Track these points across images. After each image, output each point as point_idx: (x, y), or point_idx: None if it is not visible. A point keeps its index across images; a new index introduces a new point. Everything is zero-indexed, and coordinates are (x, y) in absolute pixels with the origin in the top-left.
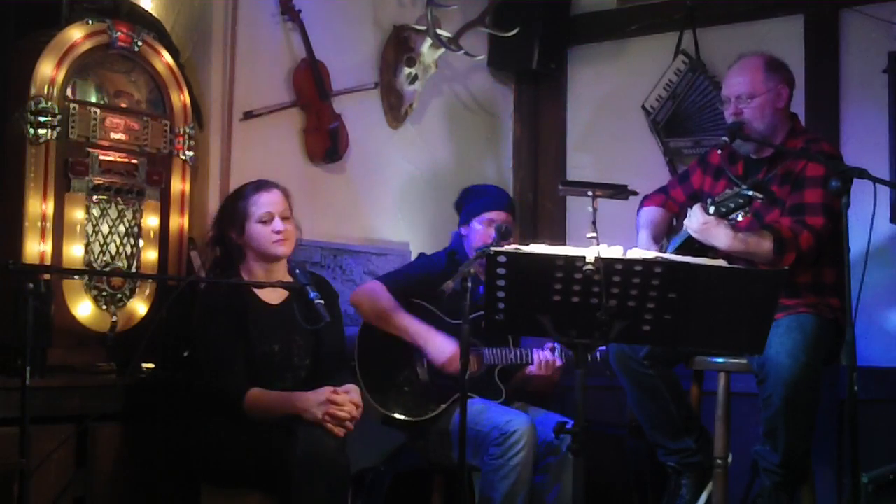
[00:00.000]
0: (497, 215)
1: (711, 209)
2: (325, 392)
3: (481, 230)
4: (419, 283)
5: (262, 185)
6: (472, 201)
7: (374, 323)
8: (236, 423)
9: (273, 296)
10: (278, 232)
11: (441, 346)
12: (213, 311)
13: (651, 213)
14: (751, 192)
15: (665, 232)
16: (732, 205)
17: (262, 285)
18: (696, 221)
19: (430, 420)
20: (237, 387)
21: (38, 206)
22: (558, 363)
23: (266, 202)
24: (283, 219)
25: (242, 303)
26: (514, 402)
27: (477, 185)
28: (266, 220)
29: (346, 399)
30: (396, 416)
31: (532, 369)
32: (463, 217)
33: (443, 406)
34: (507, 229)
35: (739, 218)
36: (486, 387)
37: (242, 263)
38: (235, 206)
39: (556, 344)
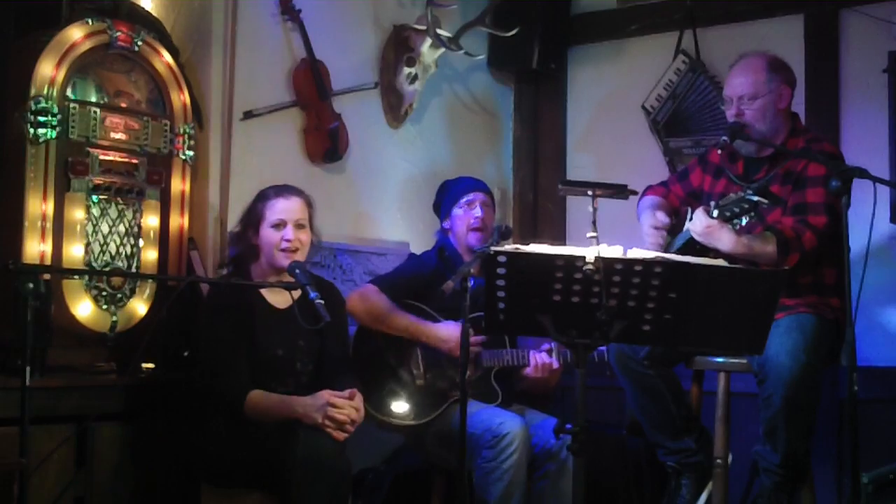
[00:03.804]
0: (474, 195)
1: (715, 213)
2: (325, 396)
3: (462, 214)
4: (412, 284)
5: (282, 191)
6: (447, 192)
7: (371, 325)
8: (237, 424)
9: (280, 299)
10: (287, 240)
11: (443, 333)
12: (219, 311)
13: (653, 198)
14: (755, 198)
15: (670, 212)
16: (737, 209)
17: (262, 285)
18: (700, 225)
19: (425, 424)
20: (239, 388)
21: (38, 206)
22: (555, 365)
23: (281, 209)
24: (298, 227)
25: (249, 304)
26: (511, 405)
27: (448, 179)
28: (277, 227)
29: (346, 403)
30: (393, 420)
31: (529, 371)
32: (442, 212)
33: (439, 410)
34: (508, 229)
35: (743, 222)
36: (482, 389)
37: (255, 263)
38: (256, 206)
39: (552, 345)
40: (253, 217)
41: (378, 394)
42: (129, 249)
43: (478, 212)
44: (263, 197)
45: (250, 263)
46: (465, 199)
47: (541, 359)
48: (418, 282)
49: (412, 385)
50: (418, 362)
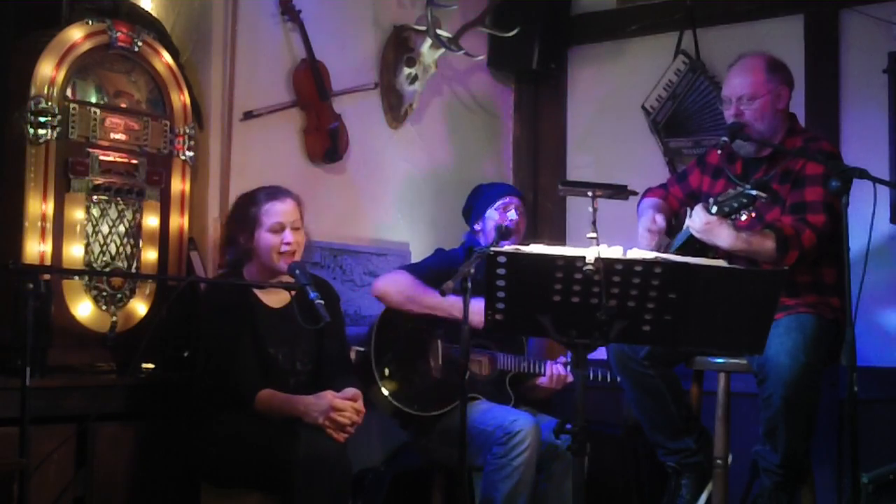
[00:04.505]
0: (510, 199)
1: (714, 209)
2: (328, 397)
3: (497, 216)
4: (438, 277)
5: (276, 194)
6: (483, 194)
7: (404, 307)
8: (238, 424)
9: (275, 299)
10: (287, 243)
11: (475, 308)
12: (220, 310)
13: (652, 200)
14: (754, 192)
15: (669, 215)
16: (736, 204)
17: (262, 286)
18: (699, 222)
19: (437, 417)
20: (251, 386)
21: (38, 206)
22: (570, 378)
23: (278, 212)
24: (294, 229)
25: (247, 305)
26: (520, 407)
27: (483, 184)
28: (276, 230)
29: (349, 405)
30: (406, 409)
31: (543, 381)
32: (475, 214)
33: (449, 405)
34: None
35: (743, 217)
36: (496, 392)
37: (247, 265)
38: (247, 210)
39: (569, 357)
40: (247, 222)
41: (394, 379)
42: (129, 249)
43: (513, 215)
44: (255, 201)
45: (243, 266)
46: (501, 203)
47: (556, 370)
48: (446, 276)
49: (428, 376)
50: (437, 355)
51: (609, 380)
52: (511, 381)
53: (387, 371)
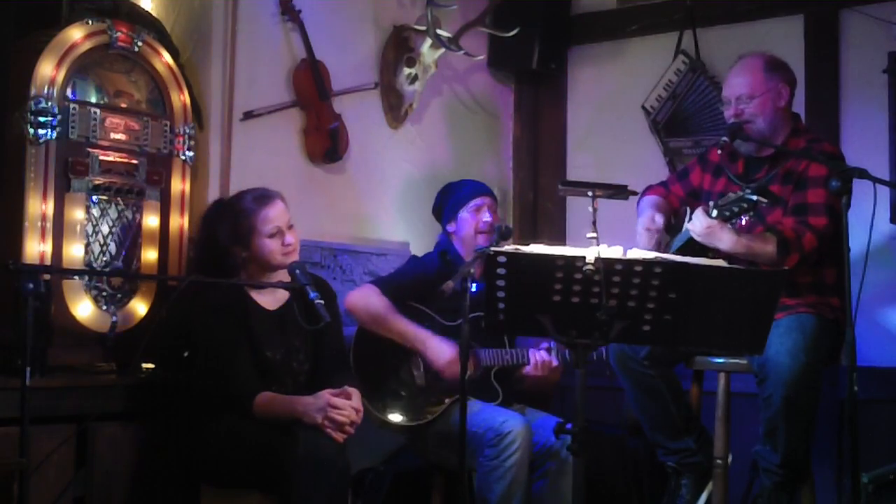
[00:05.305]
0: (483, 200)
1: (714, 213)
2: (325, 396)
3: (470, 218)
4: (413, 286)
5: (265, 199)
6: (453, 195)
7: (371, 327)
8: (238, 424)
9: (270, 300)
10: (289, 244)
11: (440, 350)
12: (216, 313)
13: (652, 198)
14: (755, 197)
15: (668, 214)
16: (736, 209)
17: (262, 285)
18: (699, 226)
19: (426, 424)
20: (249, 390)
21: (38, 206)
22: (554, 363)
23: (274, 217)
24: (289, 228)
25: (243, 308)
26: (512, 404)
27: (452, 182)
28: (275, 235)
29: (346, 404)
30: (393, 420)
31: (528, 370)
32: (447, 214)
33: (439, 409)
34: (508, 229)
35: (742, 221)
36: (482, 388)
37: (242, 273)
38: (240, 222)
39: (551, 344)
40: (242, 234)
41: (378, 393)
42: (128, 249)
43: (487, 216)
44: (246, 211)
45: (236, 275)
46: (473, 203)
47: (540, 357)
48: (420, 284)
49: (413, 385)
50: (419, 362)
51: (603, 357)
52: (497, 376)
53: (370, 384)
